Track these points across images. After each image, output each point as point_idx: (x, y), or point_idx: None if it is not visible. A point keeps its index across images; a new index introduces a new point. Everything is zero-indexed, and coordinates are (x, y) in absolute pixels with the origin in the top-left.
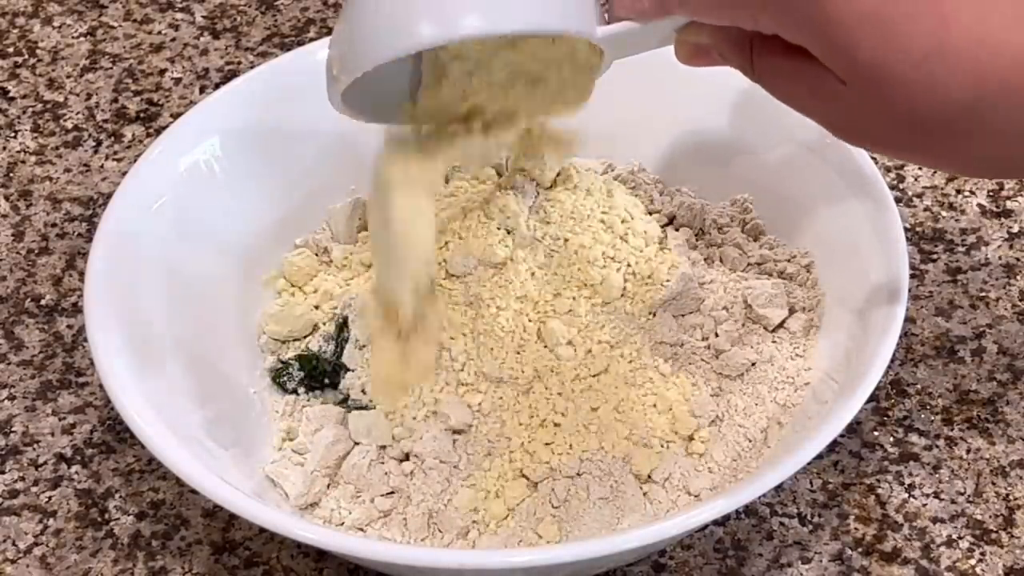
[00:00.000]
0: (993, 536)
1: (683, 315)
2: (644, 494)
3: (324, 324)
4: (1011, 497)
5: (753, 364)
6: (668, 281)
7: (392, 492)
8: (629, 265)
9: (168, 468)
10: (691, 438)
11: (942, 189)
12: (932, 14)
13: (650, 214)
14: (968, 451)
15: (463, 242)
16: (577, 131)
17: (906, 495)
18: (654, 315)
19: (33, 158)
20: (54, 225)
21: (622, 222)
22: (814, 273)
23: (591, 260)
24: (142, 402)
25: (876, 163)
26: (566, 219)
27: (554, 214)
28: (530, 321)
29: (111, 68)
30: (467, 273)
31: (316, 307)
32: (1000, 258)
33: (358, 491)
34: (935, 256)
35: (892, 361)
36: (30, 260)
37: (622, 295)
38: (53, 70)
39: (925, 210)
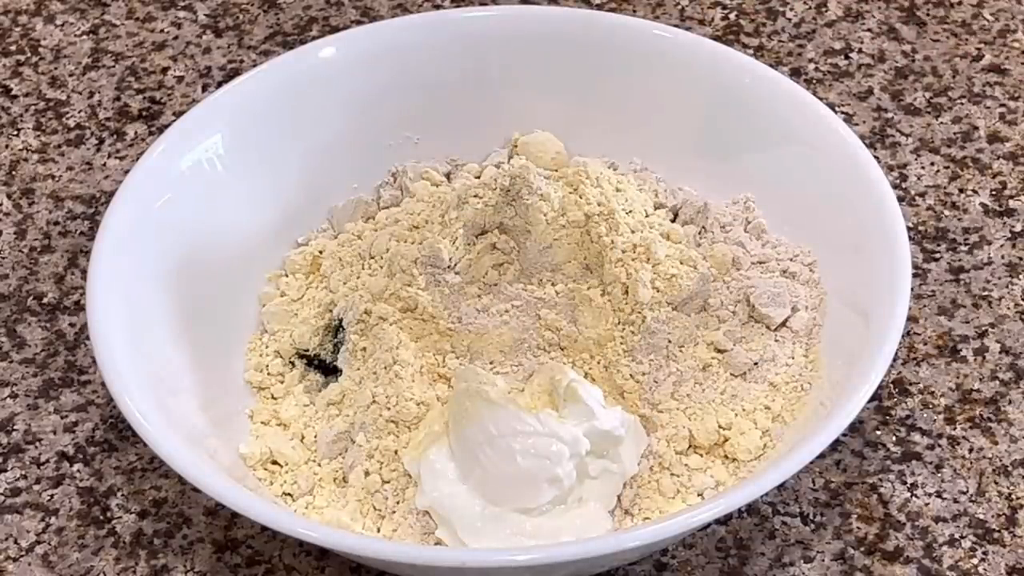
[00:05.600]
0: (995, 535)
1: (690, 315)
2: None
3: (323, 324)
4: (1013, 496)
5: (756, 363)
6: (689, 280)
7: (391, 489)
8: (652, 263)
9: (170, 466)
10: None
11: (945, 188)
12: None
13: (656, 209)
14: (970, 450)
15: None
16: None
17: (908, 494)
18: (674, 312)
19: (35, 156)
20: (56, 223)
21: (646, 216)
22: (816, 272)
23: (616, 260)
24: (144, 400)
25: (879, 162)
26: (588, 213)
27: (573, 208)
28: (549, 324)
29: (113, 66)
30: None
31: (317, 306)
32: (1003, 257)
33: (356, 488)
34: (938, 255)
35: (894, 360)
36: (32, 258)
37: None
38: (55, 68)
39: (928, 209)
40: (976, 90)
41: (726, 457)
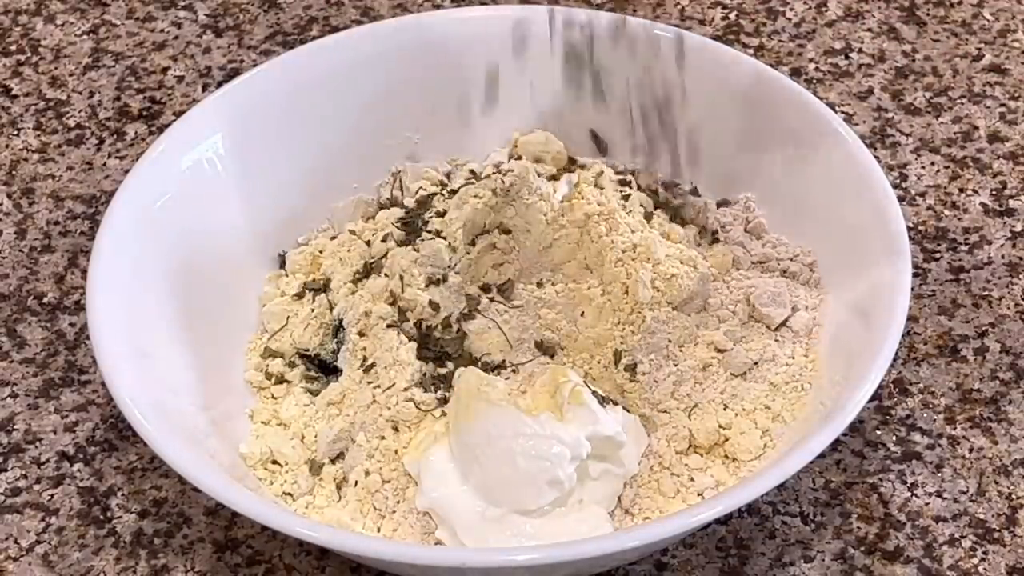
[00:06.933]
0: (996, 535)
1: (690, 315)
2: None
3: (323, 324)
4: (1014, 496)
5: (756, 363)
6: (689, 280)
7: (391, 489)
8: (652, 263)
9: (170, 466)
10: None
11: (945, 188)
12: None
13: (656, 209)
14: (971, 450)
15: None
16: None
17: (909, 494)
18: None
19: (36, 156)
20: (56, 223)
21: (646, 218)
22: (816, 272)
23: (616, 260)
24: (144, 400)
25: (879, 162)
26: (588, 212)
27: (575, 211)
28: (549, 325)
29: (114, 66)
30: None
31: (317, 306)
32: (1003, 257)
33: (356, 488)
34: (938, 255)
35: (895, 360)
36: (32, 258)
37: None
38: (56, 68)
39: (928, 209)
40: (976, 90)
41: (726, 457)
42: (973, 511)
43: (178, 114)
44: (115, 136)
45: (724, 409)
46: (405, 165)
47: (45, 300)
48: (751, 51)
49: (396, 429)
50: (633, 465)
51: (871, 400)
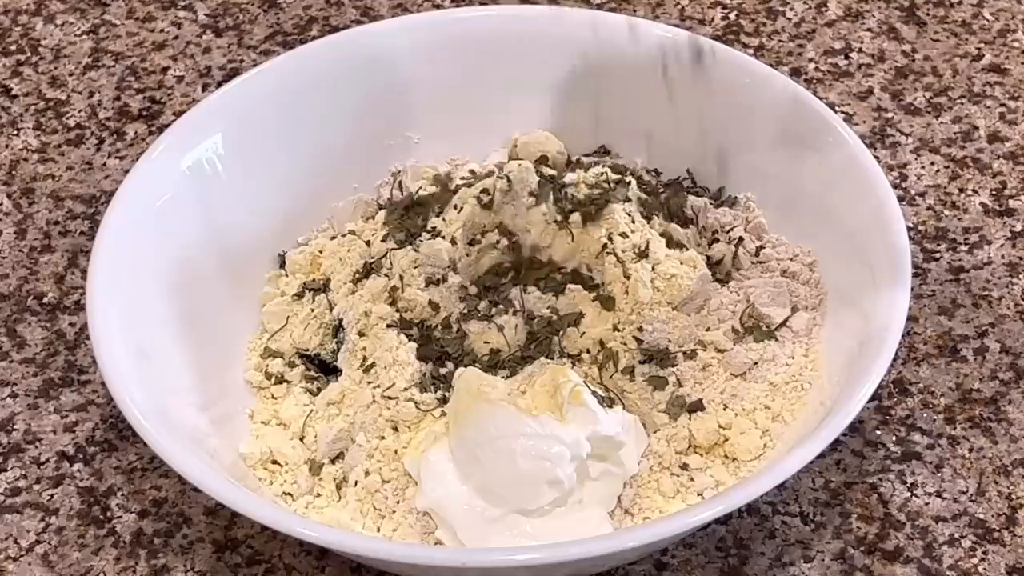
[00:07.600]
0: (995, 535)
1: (690, 315)
2: None
3: (323, 324)
4: (1013, 496)
5: (756, 363)
6: (689, 280)
7: (391, 489)
8: (652, 263)
9: (170, 466)
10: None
11: (945, 188)
12: None
13: (656, 209)
14: (970, 450)
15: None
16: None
17: (908, 494)
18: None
19: (36, 156)
20: (56, 223)
21: (646, 218)
22: (816, 272)
23: (616, 260)
24: (144, 400)
25: (879, 162)
26: (588, 216)
27: (575, 212)
28: (549, 325)
29: (113, 66)
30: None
31: (317, 306)
32: (1003, 257)
33: (356, 488)
34: (938, 255)
35: (894, 360)
36: (32, 258)
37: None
38: (55, 68)
39: (928, 209)
40: (976, 90)
41: (726, 457)
42: (973, 511)
43: (178, 114)
44: (115, 136)
45: (724, 409)
46: (405, 165)
47: (45, 300)
48: (751, 51)
49: (396, 429)
50: (633, 465)
51: (871, 400)
